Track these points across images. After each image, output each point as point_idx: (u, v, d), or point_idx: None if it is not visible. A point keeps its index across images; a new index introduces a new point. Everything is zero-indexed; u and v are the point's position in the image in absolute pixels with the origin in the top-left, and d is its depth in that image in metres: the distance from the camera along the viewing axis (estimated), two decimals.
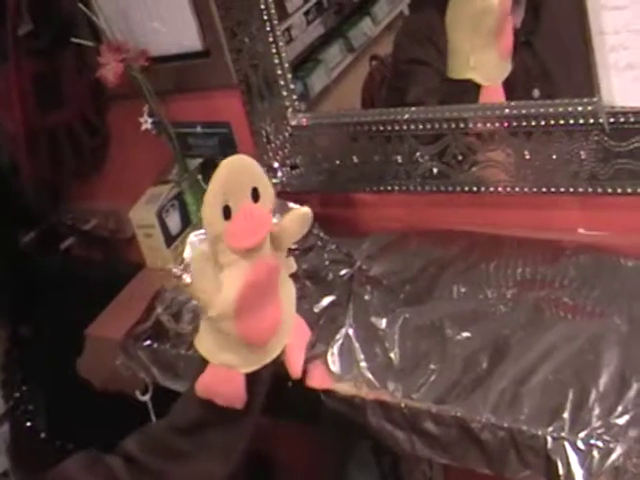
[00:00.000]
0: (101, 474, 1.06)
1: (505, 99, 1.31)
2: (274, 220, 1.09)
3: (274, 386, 1.14)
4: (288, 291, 1.13)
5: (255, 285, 1.03)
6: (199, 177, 1.57)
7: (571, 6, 1.19)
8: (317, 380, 1.17)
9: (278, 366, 1.13)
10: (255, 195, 1.02)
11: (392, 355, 1.17)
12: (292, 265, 1.14)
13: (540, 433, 0.99)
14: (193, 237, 1.44)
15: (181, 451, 1.08)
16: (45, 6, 1.64)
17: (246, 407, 1.08)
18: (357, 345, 1.20)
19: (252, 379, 1.08)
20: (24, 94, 1.71)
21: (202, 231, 1.39)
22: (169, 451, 1.08)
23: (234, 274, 1.02)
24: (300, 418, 1.28)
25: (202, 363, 1.08)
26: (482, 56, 1.30)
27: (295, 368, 1.14)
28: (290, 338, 1.13)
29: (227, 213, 1.00)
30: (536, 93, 1.31)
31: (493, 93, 1.32)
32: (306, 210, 1.08)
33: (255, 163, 1.03)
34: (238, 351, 1.06)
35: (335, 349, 1.21)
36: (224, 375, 1.06)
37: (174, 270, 1.41)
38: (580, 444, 0.96)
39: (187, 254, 1.43)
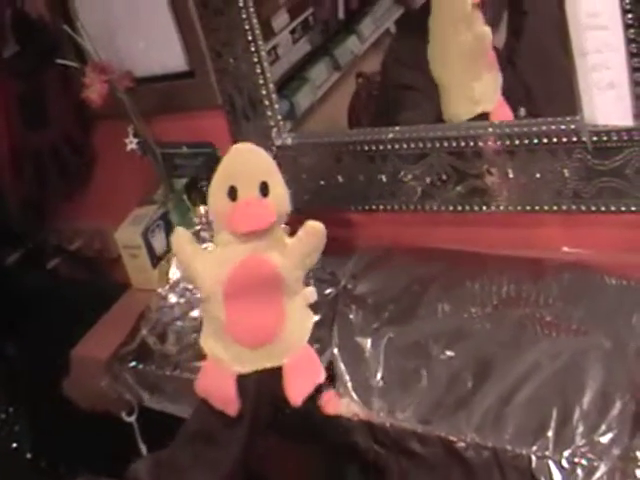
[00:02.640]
0: None
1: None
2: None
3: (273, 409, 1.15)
4: (300, 314, 1.15)
5: (243, 274, 1.08)
6: (184, 197, 1.57)
7: (553, 25, 1.19)
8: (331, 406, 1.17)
9: (277, 390, 1.12)
10: (265, 191, 1.08)
11: (377, 375, 1.17)
12: (311, 295, 1.16)
13: (524, 452, 0.99)
14: None
15: (181, 469, 1.09)
16: (30, 28, 1.65)
17: (236, 419, 1.10)
18: (342, 365, 1.20)
19: (240, 390, 1.10)
20: (9, 115, 1.71)
21: None
22: (170, 470, 1.10)
23: (225, 255, 1.09)
24: (288, 437, 1.27)
25: None
26: (483, 80, 1.30)
27: (295, 396, 1.12)
28: (292, 361, 1.13)
29: (233, 194, 1.07)
30: (522, 112, 1.31)
31: (501, 109, 1.31)
32: (319, 224, 1.12)
33: (266, 156, 1.11)
34: (228, 345, 1.11)
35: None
36: (215, 371, 1.11)
37: (159, 290, 1.43)
38: (564, 463, 0.96)
39: (173, 274, 1.44)
